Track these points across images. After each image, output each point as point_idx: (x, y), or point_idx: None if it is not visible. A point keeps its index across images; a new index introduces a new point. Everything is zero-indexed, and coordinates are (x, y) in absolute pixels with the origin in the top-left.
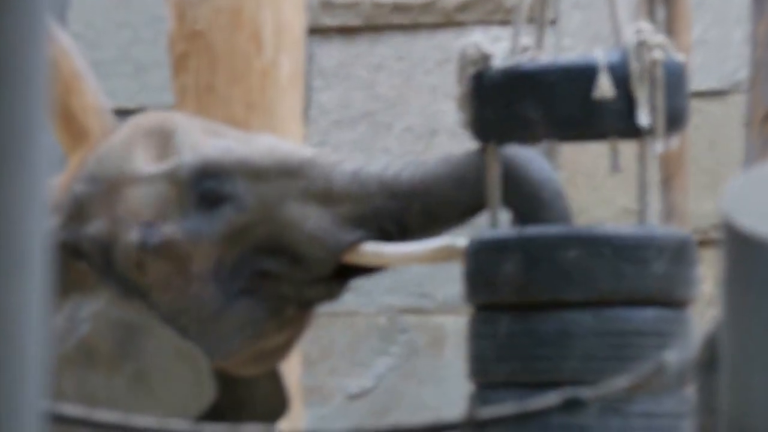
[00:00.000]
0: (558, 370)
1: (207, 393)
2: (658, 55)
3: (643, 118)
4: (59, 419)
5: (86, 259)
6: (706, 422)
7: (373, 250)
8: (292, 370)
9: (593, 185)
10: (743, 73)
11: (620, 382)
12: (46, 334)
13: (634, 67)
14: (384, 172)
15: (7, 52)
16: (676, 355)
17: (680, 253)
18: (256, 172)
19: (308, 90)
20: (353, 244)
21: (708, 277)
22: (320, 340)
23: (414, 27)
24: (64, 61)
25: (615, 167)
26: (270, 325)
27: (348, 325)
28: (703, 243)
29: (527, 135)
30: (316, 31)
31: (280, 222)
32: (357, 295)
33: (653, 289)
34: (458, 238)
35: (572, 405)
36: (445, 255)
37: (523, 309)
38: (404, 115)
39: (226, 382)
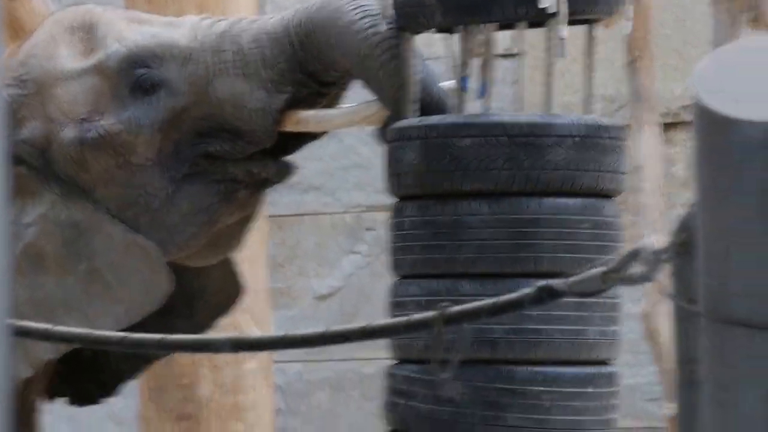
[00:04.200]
0: (453, 261)
1: (163, 284)
2: None
3: (545, 1)
4: (15, 332)
5: (24, 163)
6: (683, 308)
7: (305, 116)
8: (259, 273)
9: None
10: None
11: (595, 271)
12: (5, 245)
13: None
14: (281, 22)
15: None
16: (650, 243)
17: (585, 141)
18: (184, 55)
19: None
20: (283, 109)
21: (680, 159)
22: (287, 241)
23: None
24: None
25: (561, 53)
26: (222, 210)
27: (314, 226)
28: (674, 125)
29: (426, 22)
30: None
31: (214, 100)
32: (322, 194)
33: (552, 178)
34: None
35: (547, 296)
36: (369, 113)
37: (423, 199)
38: None
39: (176, 272)
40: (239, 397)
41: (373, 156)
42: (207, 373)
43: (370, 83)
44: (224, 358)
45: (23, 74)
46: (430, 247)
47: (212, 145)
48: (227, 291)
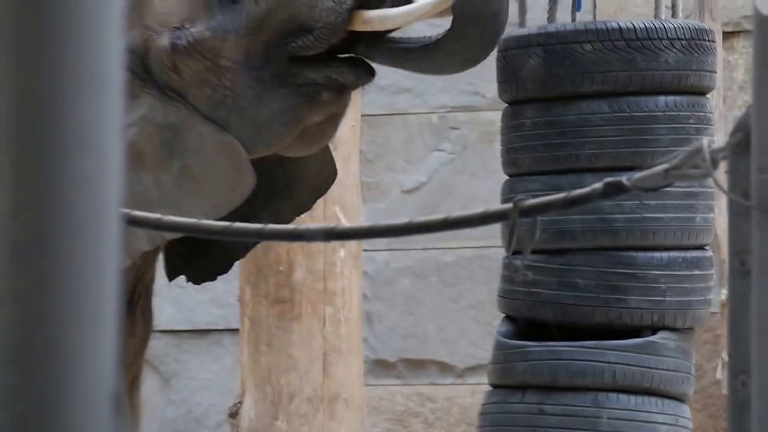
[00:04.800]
0: (577, 156)
1: (247, 182)
2: None
3: None
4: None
5: (126, 69)
6: (737, 203)
7: (377, 14)
8: (351, 168)
9: None
10: None
11: (658, 167)
12: (123, 143)
13: None
14: None
15: None
16: (710, 140)
17: (693, 43)
18: None
19: None
20: (354, 7)
21: (740, 65)
22: (376, 139)
23: None
24: None
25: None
26: (306, 110)
27: (402, 125)
28: (735, 33)
29: None
30: None
31: (293, 4)
32: (410, 96)
33: (665, 78)
34: None
35: (614, 190)
36: (444, 6)
37: (545, 101)
38: None
39: (279, 161)
40: (330, 283)
41: None
42: (301, 260)
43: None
44: (317, 246)
45: None
46: (554, 145)
47: (293, 44)
48: (323, 175)
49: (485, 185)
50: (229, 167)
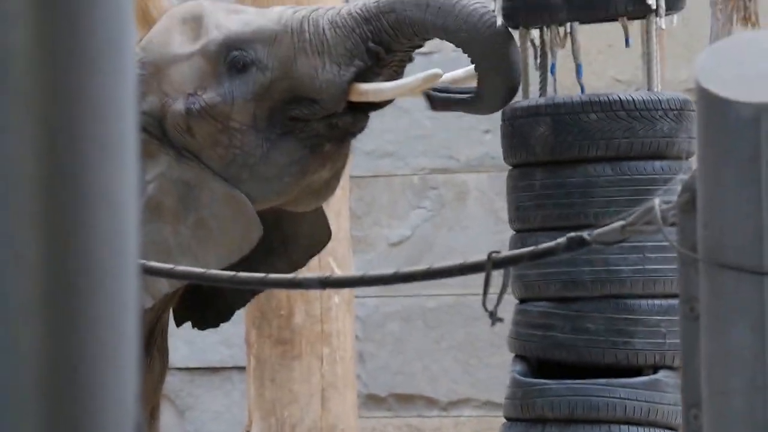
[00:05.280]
0: (584, 214)
1: (254, 232)
2: None
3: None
4: (149, 272)
5: (145, 131)
6: (686, 255)
7: (372, 87)
8: (342, 224)
9: (587, 60)
10: None
11: (616, 224)
12: (138, 199)
13: None
14: (354, 7)
15: None
16: (662, 200)
17: (682, 113)
18: (271, 38)
19: None
20: (352, 81)
21: None
22: (364, 198)
23: None
24: None
25: (627, 44)
26: (311, 161)
27: (387, 185)
28: None
29: (550, 18)
30: None
31: (296, 75)
32: (394, 159)
33: (661, 144)
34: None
35: (576, 244)
36: (431, 83)
37: (554, 164)
38: None
39: (276, 219)
40: (326, 326)
41: (435, 128)
42: (300, 306)
43: (484, 65)
44: (314, 293)
45: (144, 57)
46: (562, 204)
47: (296, 110)
48: (318, 235)
49: (461, 238)
50: (238, 219)
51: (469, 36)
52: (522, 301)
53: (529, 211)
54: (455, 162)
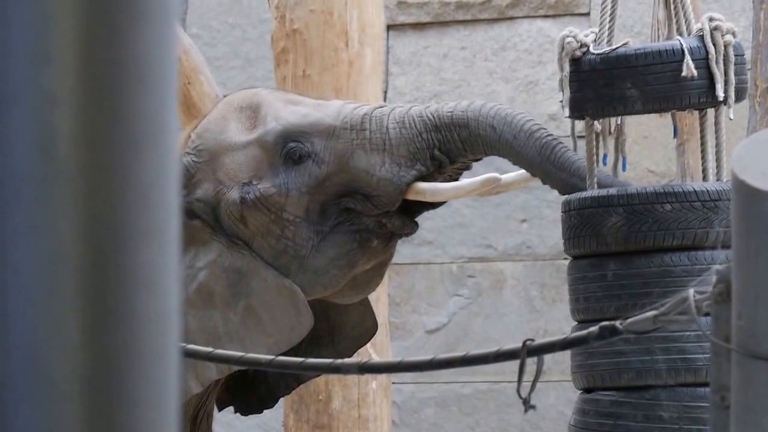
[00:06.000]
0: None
1: (305, 323)
2: (729, 38)
3: (721, 91)
4: (188, 356)
5: (199, 218)
6: (719, 345)
7: (429, 187)
8: (380, 310)
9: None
10: (747, 55)
11: (648, 313)
12: (179, 285)
13: (712, 49)
14: (424, 110)
15: (146, 52)
16: (696, 291)
17: None
18: (328, 131)
19: (387, 76)
20: (410, 182)
21: None
22: (403, 285)
23: (474, 22)
24: (185, 58)
25: (675, 134)
26: (359, 256)
27: (426, 273)
28: None
29: (624, 109)
30: (393, 27)
31: (352, 171)
32: (433, 247)
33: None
34: (500, 174)
35: (608, 333)
36: (488, 187)
37: (628, 255)
38: (466, 96)
39: (323, 310)
40: (363, 411)
41: (474, 217)
42: (338, 391)
43: (547, 178)
44: (352, 378)
45: (199, 145)
46: (637, 294)
47: (349, 204)
48: (364, 326)
49: (497, 327)
50: (289, 309)
51: (543, 173)
52: (588, 390)
53: (602, 302)
54: (492, 251)
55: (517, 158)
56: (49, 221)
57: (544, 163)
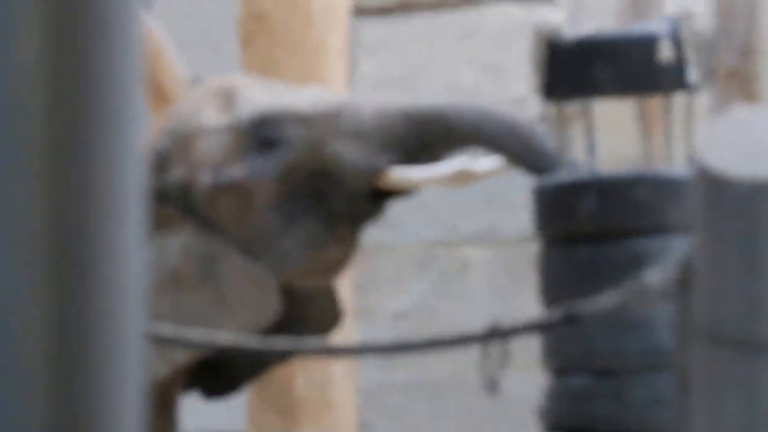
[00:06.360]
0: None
1: (273, 307)
2: (701, 23)
3: (693, 75)
4: (157, 339)
5: (170, 201)
6: (683, 330)
7: (400, 175)
8: (346, 294)
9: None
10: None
11: (611, 298)
12: (144, 266)
13: (686, 34)
14: (403, 103)
15: (108, 33)
16: (658, 274)
17: None
18: (303, 118)
19: (353, 60)
20: (382, 170)
21: None
22: (368, 269)
23: (439, 5)
24: (150, 40)
25: (637, 116)
26: (326, 240)
27: (391, 257)
28: None
29: (597, 93)
30: (359, 11)
31: (324, 158)
32: (397, 231)
33: None
34: (474, 162)
35: (571, 319)
36: (462, 177)
37: (599, 238)
38: (431, 79)
39: (288, 298)
40: (328, 395)
41: (438, 199)
42: (302, 374)
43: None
44: (316, 363)
45: (173, 129)
46: (609, 279)
47: (320, 189)
48: (330, 316)
49: (462, 311)
50: (257, 293)
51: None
52: (558, 373)
53: (573, 285)
54: (456, 234)
55: (492, 146)
56: (12, 199)
57: (517, 147)
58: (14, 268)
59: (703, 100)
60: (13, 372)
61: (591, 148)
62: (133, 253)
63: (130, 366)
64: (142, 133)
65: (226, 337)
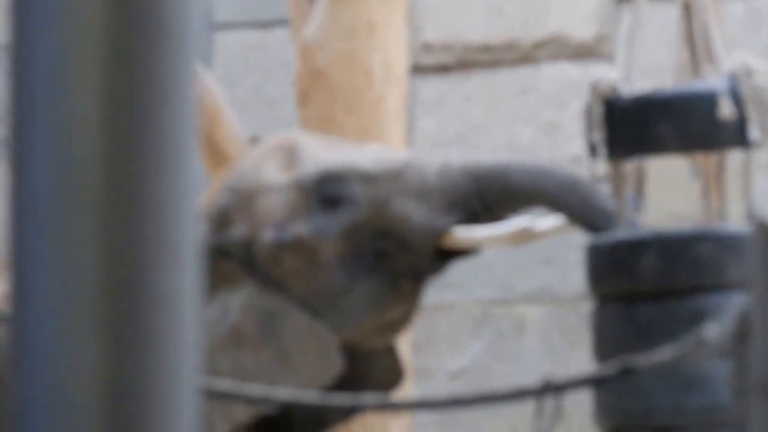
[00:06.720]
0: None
1: (335, 365)
2: (762, 80)
3: (755, 132)
4: (217, 395)
5: (232, 258)
6: (740, 384)
7: (464, 235)
8: (404, 353)
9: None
10: None
11: (668, 352)
12: (199, 322)
13: (746, 91)
14: (466, 162)
15: (164, 91)
16: (715, 329)
17: None
18: (367, 177)
19: (411, 118)
20: (447, 230)
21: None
22: (426, 328)
23: (497, 63)
24: (208, 98)
25: (694, 174)
26: (389, 298)
27: (448, 316)
28: None
29: (657, 150)
30: (417, 69)
31: (389, 217)
32: (455, 290)
33: None
34: (535, 221)
35: (627, 372)
36: (524, 236)
37: (661, 295)
38: (489, 137)
39: (350, 356)
40: None
41: (495, 258)
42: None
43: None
44: (375, 422)
45: (236, 185)
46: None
47: (384, 248)
48: (391, 375)
49: (518, 370)
50: (319, 351)
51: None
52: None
53: (633, 343)
54: (513, 293)
55: (552, 204)
56: (68, 247)
57: (577, 206)
58: (70, 321)
59: (763, 155)
60: (68, 426)
61: (636, 204)
62: (189, 307)
63: (185, 420)
64: (197, 189)
65: (285, 393)
